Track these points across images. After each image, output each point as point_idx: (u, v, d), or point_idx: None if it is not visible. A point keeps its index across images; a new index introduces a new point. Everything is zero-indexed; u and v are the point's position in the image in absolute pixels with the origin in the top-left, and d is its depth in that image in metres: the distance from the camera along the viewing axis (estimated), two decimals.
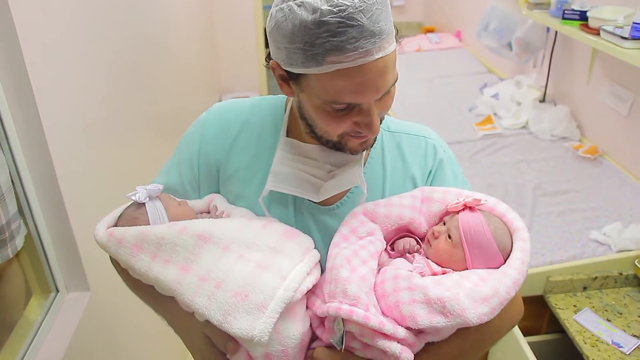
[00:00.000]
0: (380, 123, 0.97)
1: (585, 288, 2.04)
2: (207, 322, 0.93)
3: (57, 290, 1.47)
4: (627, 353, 1.75)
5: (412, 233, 1.08)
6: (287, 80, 0.93)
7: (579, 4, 2.59)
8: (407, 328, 0.90)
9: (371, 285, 0.95)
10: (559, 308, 1.96)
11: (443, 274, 0.99)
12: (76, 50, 1.51)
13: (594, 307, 1.96)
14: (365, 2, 0.81)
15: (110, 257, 1.07)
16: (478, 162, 2.85)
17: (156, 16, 2.53)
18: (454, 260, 1.01)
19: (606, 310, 1.94)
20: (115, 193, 1.76)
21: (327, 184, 1.04)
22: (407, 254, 1.04)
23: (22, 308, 1.38)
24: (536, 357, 1.86)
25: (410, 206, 1.05)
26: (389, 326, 0.88)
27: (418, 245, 1.05)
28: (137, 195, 1.04)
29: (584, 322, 1.89)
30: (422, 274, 0.97)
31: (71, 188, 1.41)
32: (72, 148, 1.45)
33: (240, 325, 0.88)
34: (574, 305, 1.97)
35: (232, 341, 0.93)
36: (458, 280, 0.94)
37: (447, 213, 1.06)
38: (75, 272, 1.49)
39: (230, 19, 4.88)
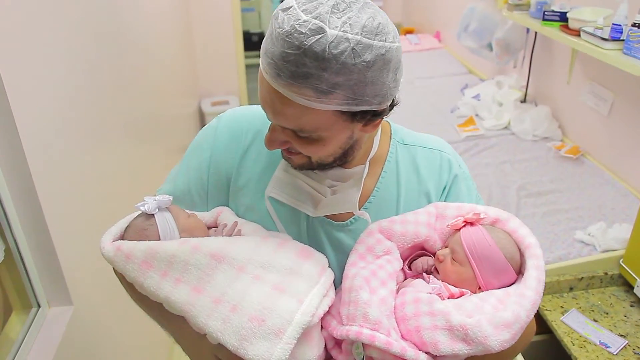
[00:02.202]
0: (311, 165, 0.97)
1: (571, 289, 2.05)
2: (220, 345, 0.90)
3: (39, 306, 1.43)
4: (615, 353, 1.76)
5: (427, 251, 1.06)
6: None
7: (558, 5, 2.61)
8: (427, 353, 0.88)
9: (391, 308, 0.93)
10: (547, 310, 1.97)
11: (461, 295, 0.97)
12: (51, 57, 1.47)
13: (580, 307, 1.97)
14: (300, 47, 0.78)
15: (114, 269, 1.02)
16: None
17: (134, 19, 2.49)
18: (465, 278, 0.99)
19: (593, 311, 1.95)
20: (97, 202, 1.72)
21: (325, 200, 1.02)
22: (424, 274, 1.01)
23: (1, 325, 1.33)
24: (524, 359, 1.86)
25: (426, 223, 1.03)
26: (411, 352, 0.87)
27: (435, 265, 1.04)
28: (147, 206, 1.00)
29: (572, 323, 1.89)
30: (440, 295, 0.95)
31: (50, 198, 1.37)
32: (50, 157, 1.40)
33: (256, 351, 0.85)
34: (561, 307, 1.98)
35: None
36: (478, 304, 0.92)
37: (450, 234, 1.04)
38: (57, 286, 1.44)
39: (208, 22, 4.84)
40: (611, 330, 1.85)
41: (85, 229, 1.61)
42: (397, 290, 0.97)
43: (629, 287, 2.04)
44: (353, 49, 0.78)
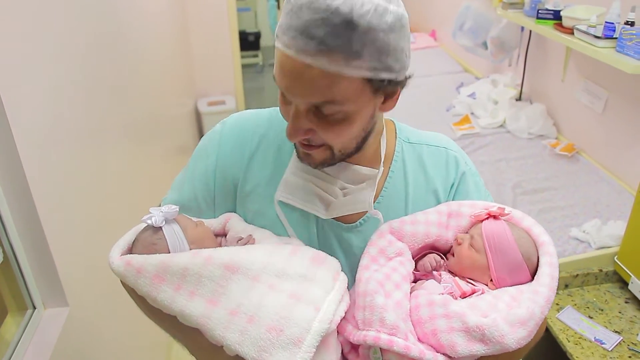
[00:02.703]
0: (332, 157, 0.95)
1: (566, 286, 2.05)
2: (238, 357, 0.89)
3: (34, 307, 1.43)
4: (610, 349, 1.77)
5: (437, 250, 1.05)
6: None
7: (552, 4, 2.62)
8: (444, 354, 0.88)
9: (407, 311, 0.92)
10: None
11: (472, 292, 0.97)
12: (47, 57, 1.47)
13: (575, 304, 1.98)
14: (327, 10, 0.78)
15: (121, 281, 1.00)
16: None
17: (130, 19, 2.49)
18: (478, 266, 0.99)
19: (588, 308, 1.96)
20: (93, 203, 1.72)
21: (336, 201, 1.01)
22: (434, 272, 1.01)
23: None
24: None
25: (437, 223, 1.03)
26: (429, 355, 0.87)
27: (442, 261, 1.03)
28: (154, 219, 0.98)
29: (567, 320, 1.90)
30: (452, 294, 0.95)
31: (46, 200, 1.37)
32: (45, 158, 1.40)
33: None
34: (556, 304, 1.98)
35: None
36: (492, 302, 0.93)
37: (472, 224, 1.04)
38: (53, 288, 1.44)
39: (204, 21, 4.83)
40: (606, 327, 1.86)
41: (81, 230, 1.61)
42: (410, 292, 0.97)
43: (623, 283, 2.04)
44: (376, 10, 0.79)
